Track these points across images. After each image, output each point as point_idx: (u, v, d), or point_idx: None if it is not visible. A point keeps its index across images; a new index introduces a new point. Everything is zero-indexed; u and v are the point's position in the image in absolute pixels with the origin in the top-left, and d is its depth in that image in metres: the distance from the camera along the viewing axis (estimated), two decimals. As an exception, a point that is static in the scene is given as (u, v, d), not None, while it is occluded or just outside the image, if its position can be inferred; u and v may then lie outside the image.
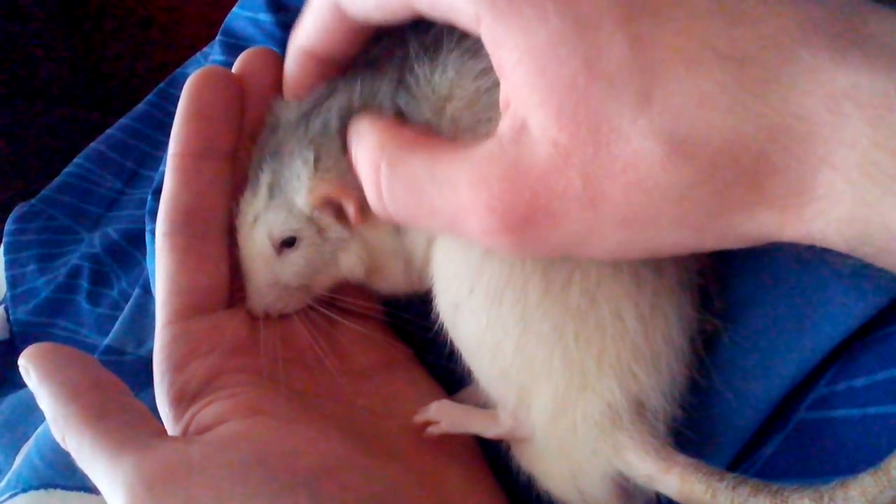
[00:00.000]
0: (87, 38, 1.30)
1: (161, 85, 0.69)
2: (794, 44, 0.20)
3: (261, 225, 0.31)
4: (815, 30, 0.20)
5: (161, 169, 0.52)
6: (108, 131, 0.68)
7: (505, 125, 0.23)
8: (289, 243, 0.31)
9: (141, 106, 0.68)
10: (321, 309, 0.33)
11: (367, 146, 0.27)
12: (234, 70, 0.32)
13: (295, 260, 0.31)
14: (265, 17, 0.46)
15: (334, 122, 0.29)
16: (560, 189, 0.22)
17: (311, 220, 0.31)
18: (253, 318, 0.32)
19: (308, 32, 0.29)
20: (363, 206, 0.29)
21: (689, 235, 0.22)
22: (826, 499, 0.22)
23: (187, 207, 0.31)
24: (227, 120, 0.32)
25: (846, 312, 0.26)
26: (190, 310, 0.31)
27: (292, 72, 0.31)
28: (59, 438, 0.27)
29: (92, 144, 0.68)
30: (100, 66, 1.31)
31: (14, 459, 0.47)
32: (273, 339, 0.32)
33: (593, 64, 0.21)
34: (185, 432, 0.28)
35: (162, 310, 0.31)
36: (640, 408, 0.26)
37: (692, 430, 0.27)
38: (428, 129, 0.28)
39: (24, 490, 0.42)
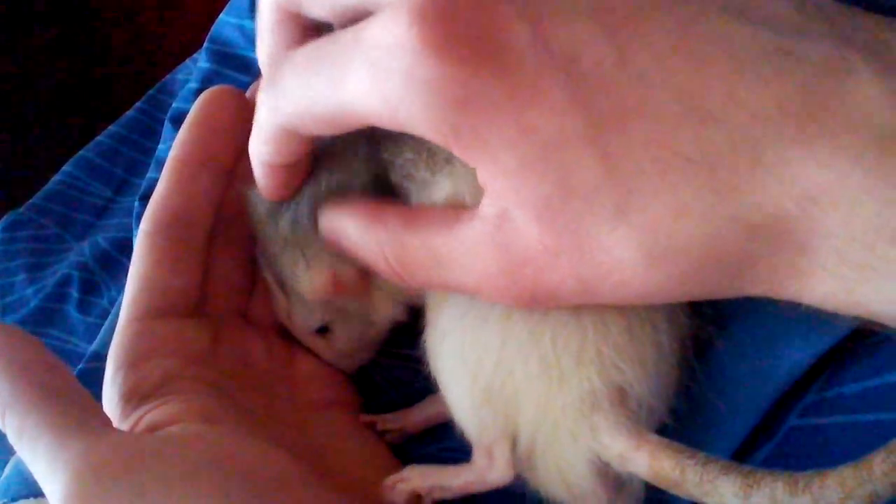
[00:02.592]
0: (77, 46, 1.30)
1: (150, 91, 0.69)
2: (764, 139, 0.20)
3: (294, 320, 0.33)
4: (785, 119, 0.20)
5: (149, 175, 0.52)
6: (97, 138, 0.68)
7: (488, 207, 0.23)
8: (324, 330, 0.33)
9: (130, 113, 0.68)
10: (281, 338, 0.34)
11: (363, 239, 0.27)
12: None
13: (338, 339, 0.33)
14: (250, 23, 0.46)
15: (306, 215, 0.30)
16: (557, 282, 0.23)
17: (328, 307, 0.32)
18: (215, 333, 0.32)
19: (265, 151, 0.28)
20: (361, 273, 0.30)
21: (685, 300, 0.24)
22: (801, 485, 0.22)
23: (175, 211, 0.32)
24: (229, 136, 0.32)
25: (837, 320, 0.26)
26: (157, 310, 0.31)
27: (266, 185, 0.29)
28: None
29: (81, 152, 0.67)
30: (91, 73, 1.31)
31: (3, 469, 0.47)
32: (231, 357, 0.32)
33: (565, 185, 0.21)
34: (132, 429, 0.28)
35: (128, 306, 0.31)
36: (621, 394, 0.26)
37: (681, 437, 0.27)
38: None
39: (14, 500, 0.41)
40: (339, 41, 0.23)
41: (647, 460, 0.25)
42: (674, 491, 0.24)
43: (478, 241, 0.24)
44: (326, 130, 0.25)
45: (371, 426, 0.33)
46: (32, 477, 0.25)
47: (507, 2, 0.21)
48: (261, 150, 0.28)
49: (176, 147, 0.32)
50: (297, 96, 0.25)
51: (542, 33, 0.21)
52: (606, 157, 0.21)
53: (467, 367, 0.28)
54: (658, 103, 0.21)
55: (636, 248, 0.21)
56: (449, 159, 0.27)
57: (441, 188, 0.27)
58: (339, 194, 0.29)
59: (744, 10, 0.22)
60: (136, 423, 0.28)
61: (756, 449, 0.28)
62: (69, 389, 0.27)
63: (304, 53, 0.25)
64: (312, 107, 0.24)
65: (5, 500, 0.42)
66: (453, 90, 0.21)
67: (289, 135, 0.26)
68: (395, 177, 0.28)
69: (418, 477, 0.29)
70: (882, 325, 0.21)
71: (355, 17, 0.24)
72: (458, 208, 0.26)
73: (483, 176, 0.23)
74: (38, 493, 0.40)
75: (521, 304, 0.24)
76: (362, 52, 0.22)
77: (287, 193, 0.30)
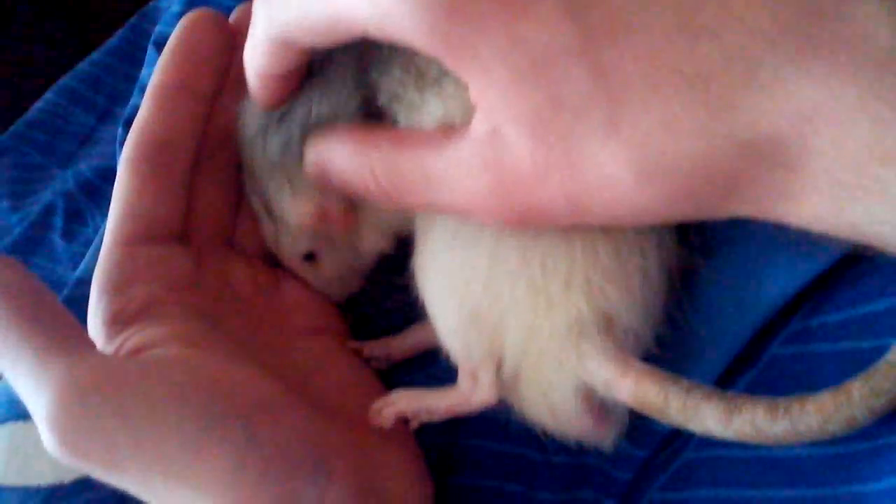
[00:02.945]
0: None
1: (133, 19, 0.67)
2: (759, 55, 0.20)
3: (282, 246, 0.33)
4: (781, 34, 0.20)
5: (132, 101, 0.51)
6: (80, 66, 0.66)
7: (479, 125, 0.23)
8: (311, 257, 0.33)
9: (113, 40, 0.67)
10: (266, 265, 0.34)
11: (353, 161, 0.27)
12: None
13: (325, 266, 0.33)
14: (236, -54, 0.45)
15: (296, 140, 0.29)
16: (547, 200, 0.23)
17: (315, 234, 0.32)
18: (199, 259, 0.32)
19: (260, 62, 0.28)
20: (348, 207, 0.30)
21: (675, 221, 0.24)
22: (781, 410, 0.22)
23: (157, 137, 0.31)
24: (212, 62, 0.32)
25: (823, 248, 0.26)
26: (140, 236, 0.31)
27: (261, 95, 0.29)
28: None
29: (63, 80, 0.66)
30: (71, 3, 1.28)
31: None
32: (215, 283, 0.32)
33: (556, 97, 0.21)
34: (116, 353, 0.28)
35: (112, 232, 0.31)
36: (608, 322, 0.26)
37: (665, 363, 0.27)
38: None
39: (2, 422, 0.42)
40: None
41: (632, 387, 0.25)
42: (658, 417, 0.25)
43: (469, 159, 0.24)
44: (321, 41, 0.25)
45: (357, 353, 0.34)
46: (19, 399, 0.26)
47: None
48: (256, 61, 0.28)
49: (157, 73, 0.32)
50: (291, 6, 0.25)
51: None
52: (597, 69, 0.21)
53: (455, 288, 0.28)
54: (651, 17, 0.21)
55: (626, 164, 0.21)
56: (438, 79, 0.26)
57: (431, 109, 0.27)
58: (329, 119, 0.29)
59: None
60: (119, 347, 0.28)
61: (739, 376, 0.28)
62: (52, 311, 0.27)
63: None
64: (306, 17, 0.24)
65: (-7, 424, 0.42)
66: None
67: (284, 46, 0.26)
68: (383, 99, 0.28)
69: (405, 400, 0.30)
70: (871, 248, 0.22)
71: None
72: (450, 129, 0.25)
73: (474, 90, 0.23)
74: (25, 415, 0.41)
75: (511, 223, 0.24)
76: None
77: (280, 101, 0.29)
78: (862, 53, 0.19)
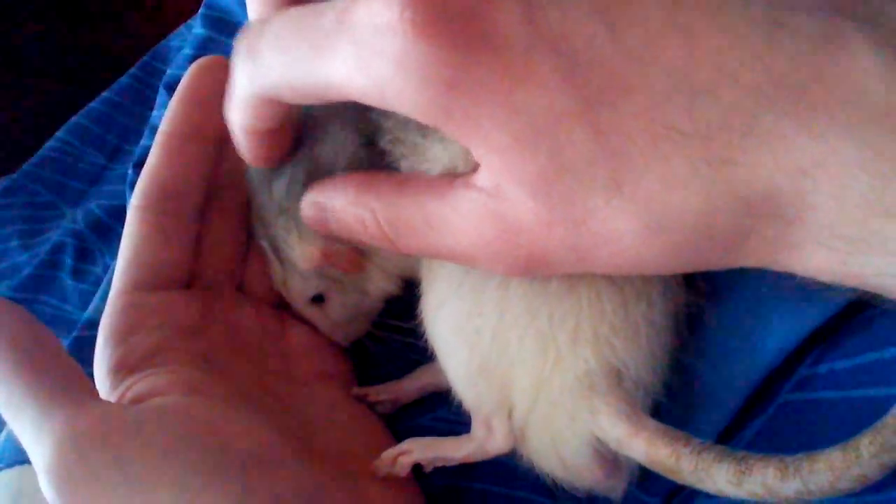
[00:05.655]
0: (73, 12, 1.28)
1: (144, 58, 0.68)
2: (756, 112, 0.20)
3: (290, 289, 0.33)
4: (777, 90, 0.20)
5: (142, 143, 0.52)
6: (90, 105, 0.67)
7: (483, 180, 0.23)
8: (319, 299, 0.33)
9: (123, 79, 0.68)
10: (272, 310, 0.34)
11: (353, 207, 0.27)
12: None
13: (332, 308, 0.33)
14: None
15: (301, 181, 0.29)
16: (551, 251, 0.23)
17: (322, 276, 0.32)
18: (206, 305, 0.32)
19: (243, 118, 0.27)
20: (354, 249, 0.30)
21: (678, 271, 0.24)
22: (791, 469, 0.22)
23: (165, 184, 0.31)
24: (221, 107, 0.32)
25: (829, 296, 0.26)
26: (147, 283, 0.31)
27: (247, 150, 0.29)
28: None
29: (73, 119, 0.67)
30: (85, 38, 1.30)
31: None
32: (222, 329, 0.32)
33: (558, 160, 0.21)
34: (119, 401, 0.28)
35: (119, 278, 0.31)
36: (617, 376, 0.26)
37: (674, 411, 0.27)
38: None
39: (9, 465, 0.42)
40: (323, 17, 0.23)
41: (644, 447, 0.25)
42: (670, 477, 0.25)
43: (472, 209, 0.24)
44: (305, 101, 0.25)
45: (363, 398, 0.34)
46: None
47: None
48: (237, 116, 0.27)
49: (166, 120, 0.32)
50: (275, 68, 0.24)
51: (532, 13, 0.21)
52: (598, 130, 0.21)
53: (463, 338, 0.28)
54: (648, 78, 0.21)
55: (631, 219, 0.22)
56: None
57: (434, 156, 0.26)
58: (330, 159, 0.29)
59: None
60: (122, 395, 0.28)
61: (748, 423, 0.28)
62: (56, 359, 0.27)
63: (283, 23, 0.24)
64: (291, 79, 0.24)
65: (0, 466, 0.42)
66: (445, 73, 0.21)
67: (266, 102, 0.26)
68: (385, 140, 0.28)
69: (420, 450, 0.29)
70: (880, 297, 0.22)
71: None
72: (453, 175, 0.25)
73: (477, 155, 0.23)
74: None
75: (515, 272, 0.24)
76: (348, 31, 0.22)
77: (272, 158, 0.29)
78: (858, 109, 0.19)
